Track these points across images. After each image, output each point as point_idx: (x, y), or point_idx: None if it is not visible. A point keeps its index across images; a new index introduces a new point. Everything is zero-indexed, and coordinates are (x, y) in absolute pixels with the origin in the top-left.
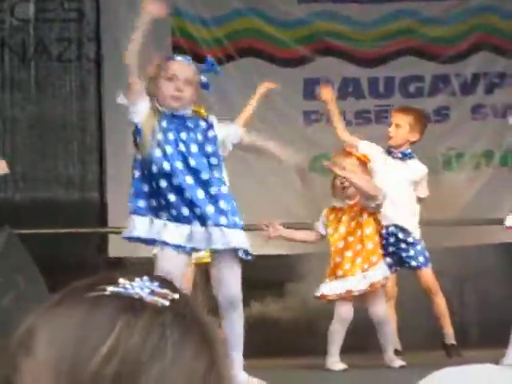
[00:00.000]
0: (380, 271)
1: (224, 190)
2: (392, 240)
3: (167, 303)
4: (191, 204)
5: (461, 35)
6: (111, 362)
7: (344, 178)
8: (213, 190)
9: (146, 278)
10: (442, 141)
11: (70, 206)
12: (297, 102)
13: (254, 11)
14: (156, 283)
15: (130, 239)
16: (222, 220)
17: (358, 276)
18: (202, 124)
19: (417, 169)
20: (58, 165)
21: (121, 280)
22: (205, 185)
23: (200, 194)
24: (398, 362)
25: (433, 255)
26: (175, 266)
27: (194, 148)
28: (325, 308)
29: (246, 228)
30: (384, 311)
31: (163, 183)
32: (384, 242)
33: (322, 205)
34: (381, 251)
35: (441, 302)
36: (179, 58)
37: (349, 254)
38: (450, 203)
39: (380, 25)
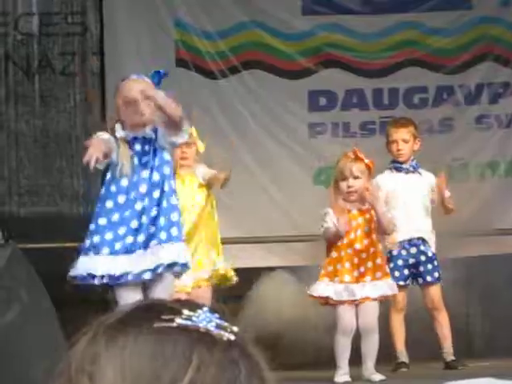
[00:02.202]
0: (389, 285)
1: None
2: (413, 251)
3: (233, 337)
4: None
5: (464, 46)
6: None
7: (371, 205)
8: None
9: (206, 308)
10: (447, 151)
11: (75, 220)
12: (301, 114)
13: (257, 24)
14: (215, 314)
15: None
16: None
17: (368, 284)
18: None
19: (429, 176)
20: (62, 178)
21: (185, 311)
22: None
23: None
24: (377, 376)
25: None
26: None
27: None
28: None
29: (255, 240)
30: (374, 321)
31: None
32: (405, 253)
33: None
34: (387, 269)
35: (444, 320)
36: (133, 76)
37: (362, 257)
38: (455, 214)
39: (384, 36)
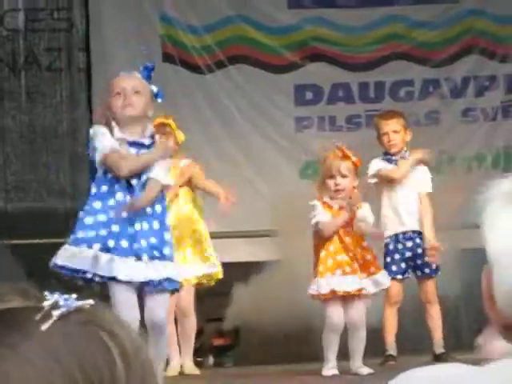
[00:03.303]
0: (383, 279)
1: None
2: (409, 245)
3: (91, 301)
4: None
5: (450, 39)
6: (132, 365)
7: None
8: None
9: (46, 292)
10: (433, 145)
11: (62, 216)
12: (288, 108)
13: (243, 18)
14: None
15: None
16: (156, 253)
17: (365, 280)
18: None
19: (420, 167)
20: (49, 174)
21: (44, 303)
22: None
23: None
24: (365, 370)
25: None
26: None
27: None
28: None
29: (241, 235)
30: (362, 316)
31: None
32: (401, 246)
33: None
34: (378, 263)
35: (437, 312)
36: (122, 73)
37: (350, 255)
38: (441, 207)
39: (370, 30)
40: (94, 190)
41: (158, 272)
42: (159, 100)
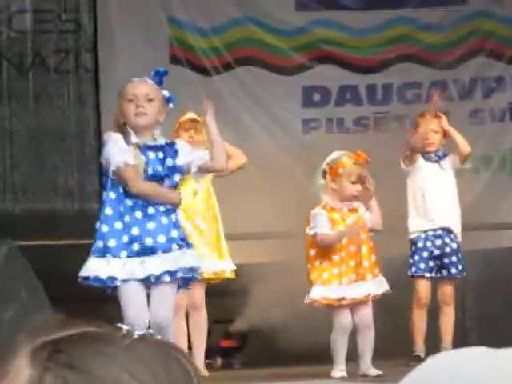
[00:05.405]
0: (383, 283)
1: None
2: (438, 243)
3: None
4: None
5: (457, 41)
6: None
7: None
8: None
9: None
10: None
11: (69, 217)
12: (295, 110)
13: (251, 20)
14: None
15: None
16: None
17: (370, 282)
18: (169, 151)
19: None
20: (56, 176)
21: (124, 326)
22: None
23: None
24: (374, 371)
25: None
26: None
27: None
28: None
29: (249, 237)
30: (370, 316)
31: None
32: (430, 244)
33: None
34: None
35: (452, 315)
36: (135, 79)
37: (358, 259)
38: None
39: (377, 32)
40: (104, 196)
41: (174, 263)
42: (171, 105)
